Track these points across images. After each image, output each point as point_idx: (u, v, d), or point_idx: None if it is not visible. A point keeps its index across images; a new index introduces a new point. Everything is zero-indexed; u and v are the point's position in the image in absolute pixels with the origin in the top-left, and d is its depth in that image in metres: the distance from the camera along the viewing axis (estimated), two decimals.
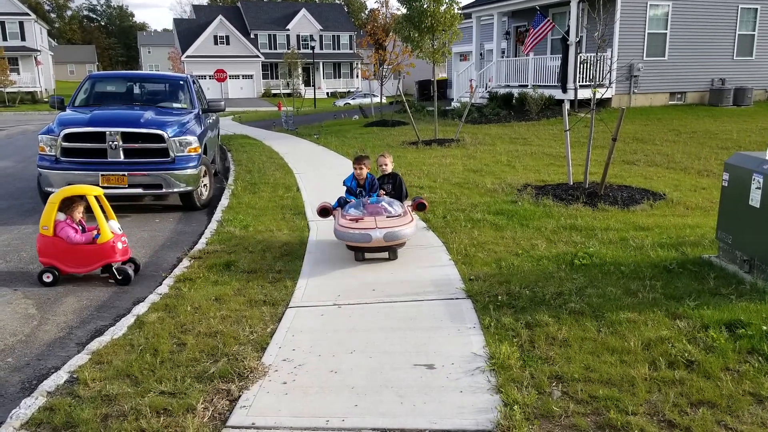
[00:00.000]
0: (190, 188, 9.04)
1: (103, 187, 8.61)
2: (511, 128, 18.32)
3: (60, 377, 3.83)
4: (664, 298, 4.79)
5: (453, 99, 28.81)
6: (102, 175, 8.56)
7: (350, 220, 5.97)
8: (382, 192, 6.67)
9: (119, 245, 6.06)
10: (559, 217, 7.72)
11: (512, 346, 3.99)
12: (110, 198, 9.99)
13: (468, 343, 4.15)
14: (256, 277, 5.76)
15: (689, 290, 4.92)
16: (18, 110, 43.29)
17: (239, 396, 3.54)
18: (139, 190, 8.80)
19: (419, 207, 6.62)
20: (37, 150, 8.90)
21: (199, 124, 9.88)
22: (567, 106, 10.19)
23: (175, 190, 8.94)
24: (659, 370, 3.66)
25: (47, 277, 5.93)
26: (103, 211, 6.11)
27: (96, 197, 6.05)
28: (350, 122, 24.67)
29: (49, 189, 8.68)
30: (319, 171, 12.27)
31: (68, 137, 8.61)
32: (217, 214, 8.69)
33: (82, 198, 6.12)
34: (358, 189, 6.75)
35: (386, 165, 6.83)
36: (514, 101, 21.92)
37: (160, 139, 8.73)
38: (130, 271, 6.08)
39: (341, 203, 6.57)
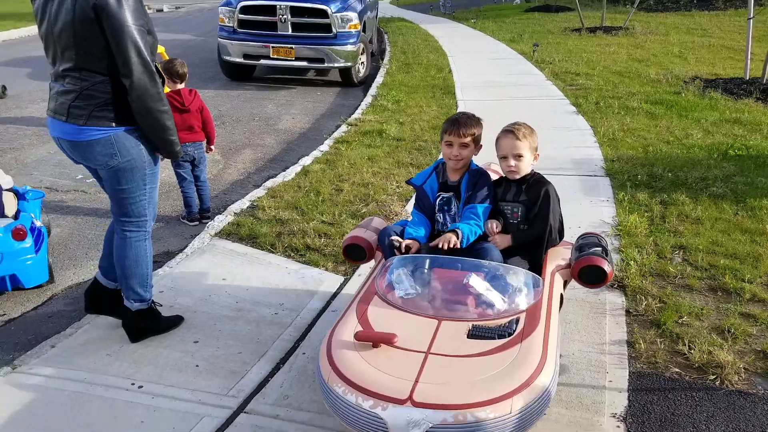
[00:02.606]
0: (349, 64, 9.61)
1: (273, 59, 9.48)
2: (690, 18, 16.65)
3: (244, 203, 4.68)
4: None
5: None
6: (272, 47, 9.35)
7: (366, 333, 2.22)
8: (494, 229, 2.77)
9: None
10: (724, 110, 7.29)
11: (641, 218, 4.16)
12: (278, 69, 10.95)
13: (598, 213, 4.37)
14: (404, 144, 6.26)
15: None
16: None
17: None
18: (304, 63, 9.54)
19: (586, 276, 2.59)
20: (214, 25, 9.84)
21: (359, 1, 10.25)
22: None
23: (336, 65, 9.56)
24: None
25: None
26: None
27: None
28: (510, 7, 23.66)
29: (227, 58, 9.69)
30: (473, 54, 12.25)
31: (244, 9, 9.41)
32: (372, 90, 9.21)
33: None
34: (440, 197, 2.90)
35: (519, 159, 2.79)
36: None
37: (324, 14, 9.26)
38: None
39: (391, 245, 2.73)
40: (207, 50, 13.25)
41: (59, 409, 2.57)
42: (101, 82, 2.63)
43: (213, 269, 3.59)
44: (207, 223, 4.40)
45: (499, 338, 2.15)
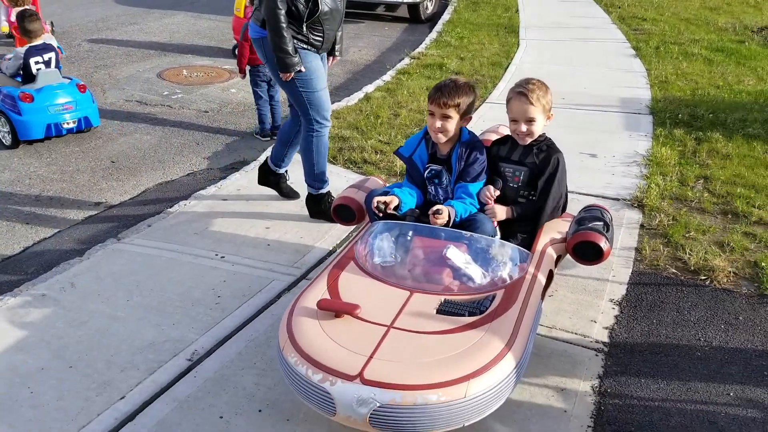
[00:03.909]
0: (417, 0, 9.87)
1: None
2: None
3: None
4: None
5: None
6: None
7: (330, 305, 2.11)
8: (491, 195, 2.59)
9: None
10: None
11: (673, 151, 4.47)
12: (348, 3, 11.20)
13: (634, 146, 4.70)
14: (462, 77, 6.61)
15: None
16: None
17: None
18: None
19: (582, 253, 2.49)
20: None
21: None
22: None
23: (405, 0, 9.83)
24: None
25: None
26: None
27: None
28: None
29: None
30: None
31: None
32: (438, 27, 9.47)
33: None
34: (429, 170, 2.74)
35: (531, 123, 2.58)
36: None
37: None
38: None
39: (377, 208, 2.59)
40: None
41: (157, 269, 3.23)
42: None
43: None
44: None
45: (469, 315, 2.03)
